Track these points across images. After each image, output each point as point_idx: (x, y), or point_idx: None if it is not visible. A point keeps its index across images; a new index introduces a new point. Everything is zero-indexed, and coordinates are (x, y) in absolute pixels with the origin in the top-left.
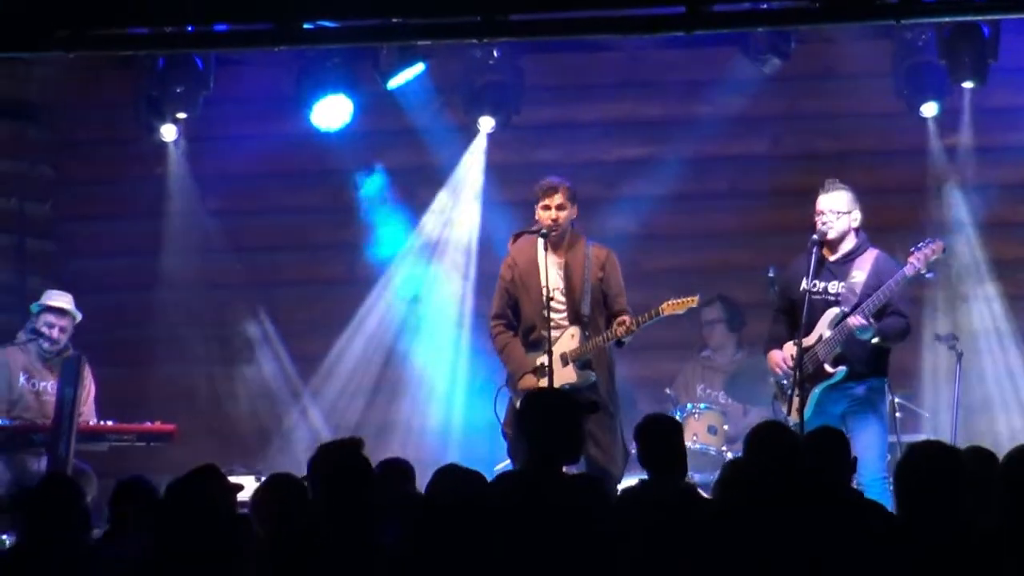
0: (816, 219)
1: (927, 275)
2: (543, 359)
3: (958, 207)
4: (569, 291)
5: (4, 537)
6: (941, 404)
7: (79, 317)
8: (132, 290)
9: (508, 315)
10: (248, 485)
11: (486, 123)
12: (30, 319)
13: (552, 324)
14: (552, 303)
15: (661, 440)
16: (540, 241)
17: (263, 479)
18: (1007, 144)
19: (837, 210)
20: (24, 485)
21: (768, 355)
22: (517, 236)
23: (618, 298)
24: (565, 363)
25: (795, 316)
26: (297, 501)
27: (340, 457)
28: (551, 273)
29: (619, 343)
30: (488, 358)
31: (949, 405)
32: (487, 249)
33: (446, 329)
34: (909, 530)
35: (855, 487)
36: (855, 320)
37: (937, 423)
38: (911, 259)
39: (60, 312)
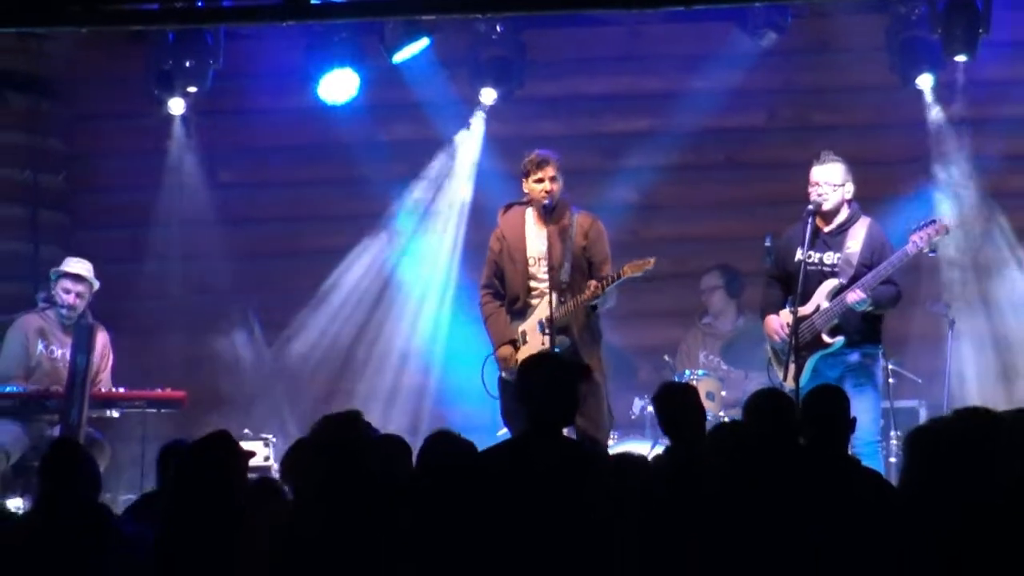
0: (811, 190)
1: (930, 254)
2: (524, 327)
3: (952, 177)
4: (551, 260)
5: (20, 500)
6: (934, 371)
7: (97, 285)
8: (142, 260)
9: (496, 285)
10: (258, 451)
11: (488, 95)
12: (49, 285)
13: (534, 292)
14: (535, 272)
15: (679, 407)
16: (529, 212)
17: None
18: (999, 116)
19: (832, 182)
20: (40, 451)
21: (765, 320)
22: (507, 208)
23: (603, 265)
24: (543, 330)
25: (789, 283)
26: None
27: (340, 428)
28: (536, 242)
29: (593, 308)
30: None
31: (941, 373)
32: (481, 215)
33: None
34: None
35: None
36: (854, 296)
37: (930, 389)
38: (913, 238)
39: (77, 278)
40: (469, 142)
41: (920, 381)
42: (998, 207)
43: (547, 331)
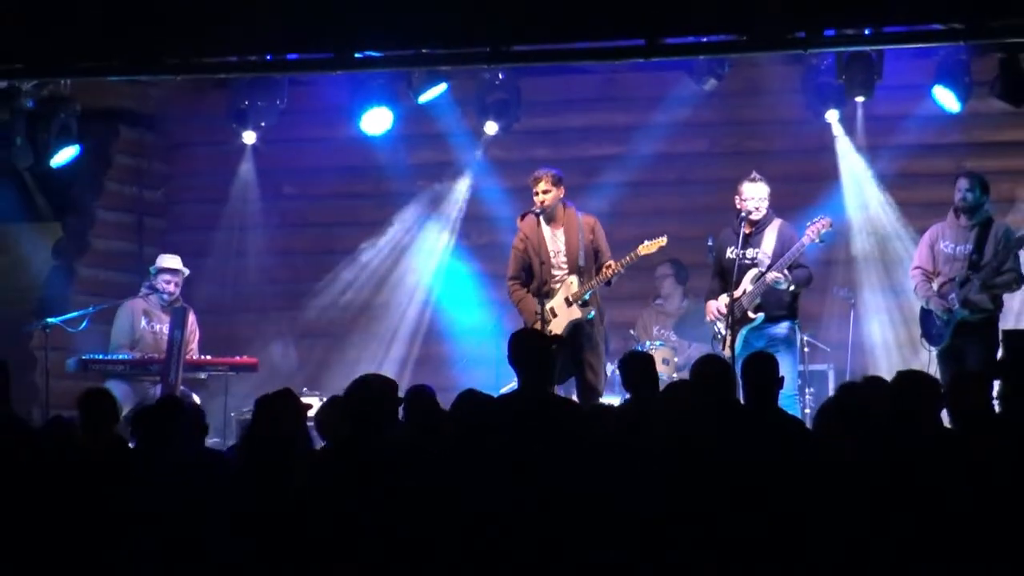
0: (744, 203)
1: (820, 243)
2: (551, 304)
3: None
4: (568, 251)
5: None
6: (840, 342)
7: (187, 272)
8: (225, 257)
9: (522, 276)
10: (314, 404)
11: (491, 127)
12: (150, 277)
13: (556, 279)
14: (555, 262)
15: (637, 371)
16: (539, 217)
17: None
18: (889, 144)
19: (761, 197)
20: (145, 405)
21: (706, 305)
22: (523, 216)
23: (605, 253)
24: (569, 304)
25: (725, 277)
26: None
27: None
28: (553, 240)
29: (608, 283)
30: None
31: (845, 344)
32: (492, 222)
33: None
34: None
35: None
36: (772, 276)
37: (837, 356)
38: (808, 231)
39: (173, 271)
40: (476, 164)
41: (828, 350)
42: (898, 213)
43: (572, 305)
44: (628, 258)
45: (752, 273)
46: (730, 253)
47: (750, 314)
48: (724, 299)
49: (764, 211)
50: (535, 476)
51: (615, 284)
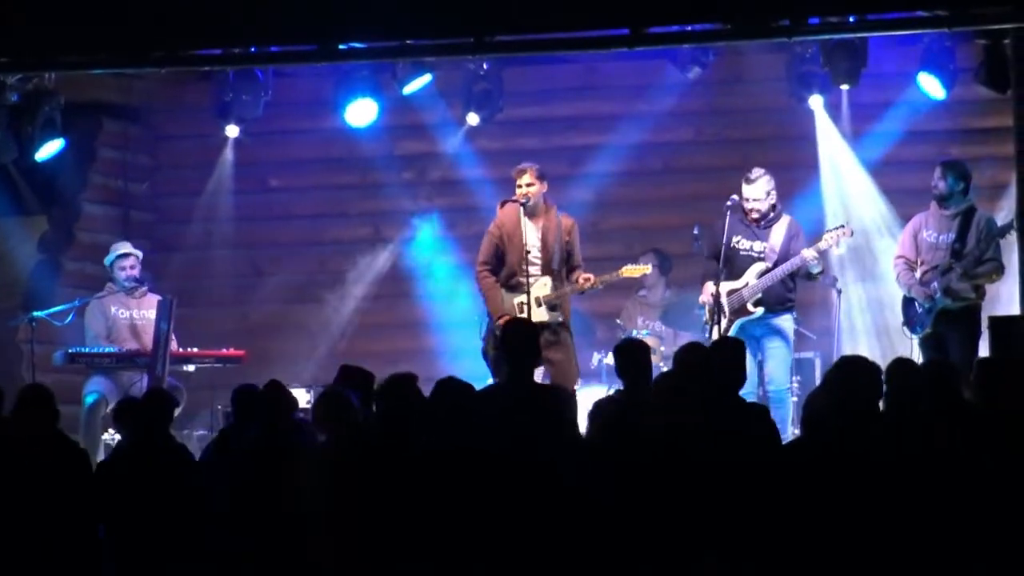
0: (745, 204)
1: (839, 251)
2: (521, 299)
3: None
4: (544, 249)
5: (117, 436)
6: (825, 330)
7: (141, 254)
8: (211, 248)
9: (492, 262)
10: (301, 397)
11: (474, 118)
12: (111, 270)
13: (526, 274)
14: (529, 256)
15: (633, 358)
16: (521, 208)
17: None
18: (874, 131)
19: (758, 197)
20: (131, 398)
21: (704, 285)
22: (503, 204)
23: (577, 256)
24: (539, 304)
25: (727, 262)
26: (346, 410)
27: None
28: (530, 233)
29: (582, 292)
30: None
31: (830, 331)
32: (477, 213)
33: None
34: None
35: (763, 395)
36: (810, 254)
37: (822, 344)
38: (826, 236)
39: (126, 255)
40: (461, 154)
41: (815, 337)
42: (882, 200)
43: (542, 305)
44: (609, 276)
45: (758, 267)
46: (736, 243)
47: (749, 307)
48: (725, 286)
49: (767, 208)
50: (530, 467)
51: (595, 273)
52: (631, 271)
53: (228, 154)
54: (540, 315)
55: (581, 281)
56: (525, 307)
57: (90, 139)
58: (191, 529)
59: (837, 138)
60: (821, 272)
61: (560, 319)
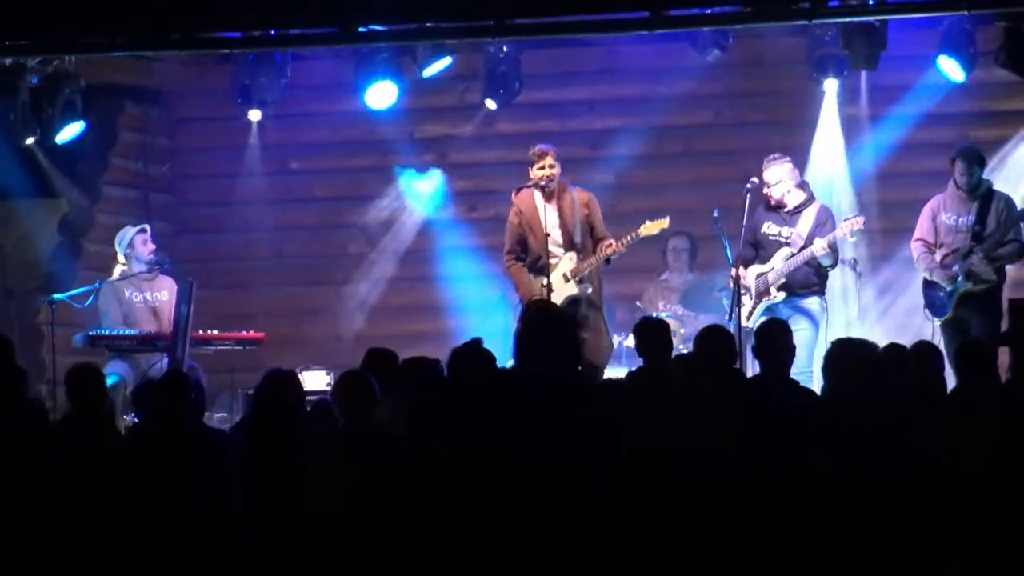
0: (765, 189)
1: (851, 239)
2: (547, 280)
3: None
4: (563, 226)
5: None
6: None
7: (149, 228)
8: (231, 231)
9: (517, 250)
10: (321, 380)
11: (494, 102)
12: (131, 249)
13: (552, 254)
14: (551, 238)
15: (653, 336)
16: (537, 193)
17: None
18: (893, 114)
19: (780, 180)
20: (149, 380)
21: (735, 268)
22: (518, 191)
23: (601, 228)
24: (567, 280)
25: (756, 247)
26: (365, 394)
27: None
28: (549, 216)
29: (608, 261)
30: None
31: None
32: (496, 196)
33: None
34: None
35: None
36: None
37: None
38: (842, 225)
39: (142, 230)
40: (480, 136)
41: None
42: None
43: (569, 281)
44: (629, 237)
45: (785, 252)
46: (766, 228)
47: (773, 290)
48: (753, 270)
49: (783, 192)
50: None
51: (618, 258)
52: (649, 228)
53: (254, 138)
54: (569, 289)
55: (605, 249)
56: (545, 289)
57: (110, 122)
58: (206, 512)
59: (836, 125)
60: (832, 265)
61: (589, 290)
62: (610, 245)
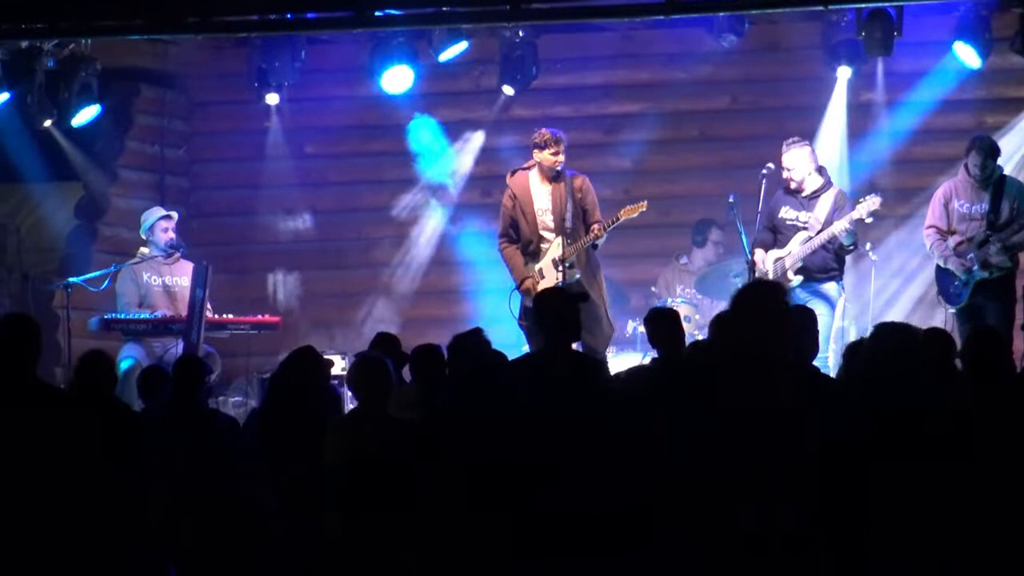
0: (783, 172)
1: (868, 220)
2: (539, 265)
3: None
4: (555, 210)
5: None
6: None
7: (177, 216)
8: (247, 215)
9: (510, 233)
10: (336, 363)
11: (510, 87)
12: (151, 233)
13: (544, 238)
14: (543, 221)
15: (664, 326)
16: (532, 174)
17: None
18: (909, 100)
19: (796, 166)
20: (163, 364)
21: (754, 252)
22: (513, 173)
23: (594, 212)
24: (556, 267)
25: (775, 232)
26: (381, 377)
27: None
28: (542, 198)
29: (594, 246)
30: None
31: (866, 300)
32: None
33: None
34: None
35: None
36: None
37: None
38: (858, 206)
39: (166, 217)
40: (495, 122)
41: (849, 305)
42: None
43: (559, 268)
44: (610, 221)
45: (801, 236)
46: (784, 212)
47: (790, 275)
48: (773, 253)
49: (802, 176)
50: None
51: (631, 241)
52: (628, 211)
53: (266, 121)
54: (556, 277)
55: (592, 233)
56: (537, 274)
57: (126, 105)
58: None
59: (842, 114)
60: (854, 245)
61: (577, 276)
62: (593, 229)
